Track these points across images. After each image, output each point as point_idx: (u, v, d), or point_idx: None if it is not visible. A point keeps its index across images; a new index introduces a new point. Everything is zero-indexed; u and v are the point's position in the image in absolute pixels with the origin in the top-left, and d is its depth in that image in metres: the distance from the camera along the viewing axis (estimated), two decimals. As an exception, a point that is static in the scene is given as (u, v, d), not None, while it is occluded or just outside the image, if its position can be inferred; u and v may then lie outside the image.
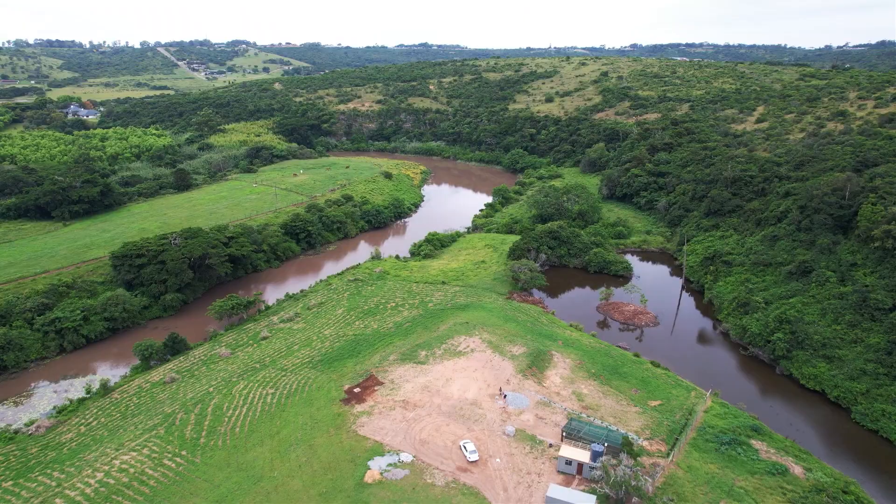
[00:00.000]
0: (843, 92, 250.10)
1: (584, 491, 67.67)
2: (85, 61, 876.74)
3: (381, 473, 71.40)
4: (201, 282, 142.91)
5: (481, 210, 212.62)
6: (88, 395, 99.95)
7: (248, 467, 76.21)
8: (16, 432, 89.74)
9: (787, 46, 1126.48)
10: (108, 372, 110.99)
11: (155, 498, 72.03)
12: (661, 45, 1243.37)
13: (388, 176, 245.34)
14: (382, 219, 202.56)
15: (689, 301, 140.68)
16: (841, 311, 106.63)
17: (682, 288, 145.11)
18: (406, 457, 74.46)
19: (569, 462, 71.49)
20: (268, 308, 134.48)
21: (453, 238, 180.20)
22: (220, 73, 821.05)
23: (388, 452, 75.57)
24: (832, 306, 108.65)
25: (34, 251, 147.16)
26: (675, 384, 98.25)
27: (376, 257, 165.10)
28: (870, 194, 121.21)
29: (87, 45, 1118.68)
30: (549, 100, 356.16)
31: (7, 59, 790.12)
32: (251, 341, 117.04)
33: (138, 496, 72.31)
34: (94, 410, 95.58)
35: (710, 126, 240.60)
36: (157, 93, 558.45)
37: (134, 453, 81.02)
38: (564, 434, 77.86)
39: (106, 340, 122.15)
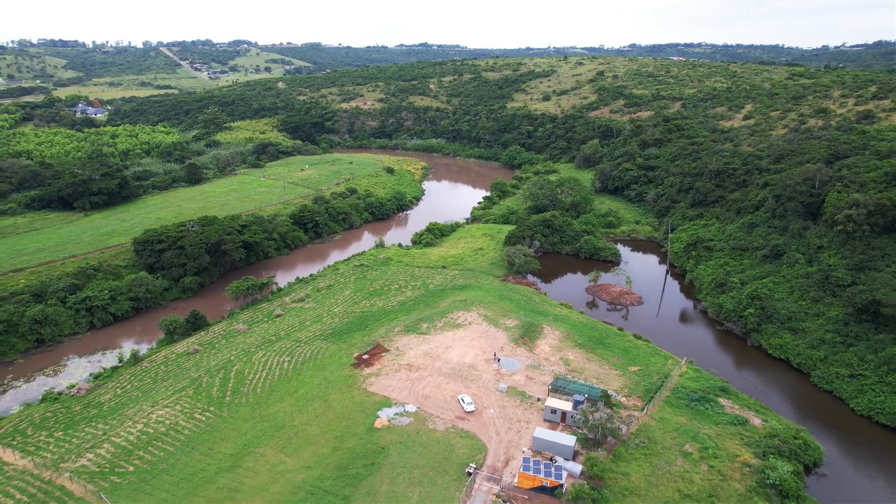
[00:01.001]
0: (827, 90, 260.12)
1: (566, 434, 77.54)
2: (88, 61, 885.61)
3: (389, 421, 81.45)
4: (216, 266, 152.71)
5: (479, 203, 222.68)
6: (121, 364, 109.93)
7: (271, 418, 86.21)
8: (59, 394, 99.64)
9: (785, 46, 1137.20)
10: (135, 346, 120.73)
11: (190, 443, 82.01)
12: (660, 45, 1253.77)
13: (390, 171, 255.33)
14: (385, 211, 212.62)
15: (673, 284, 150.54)
16: (806, 288, 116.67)
17: (667, 272, 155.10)
18: (411, 408, 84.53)
19: (554, 411, 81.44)
20: (280, 290, 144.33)
21: (453, 228, 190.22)
22: (223, 72, 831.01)
23: (395, 404, 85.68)
24: (799, 284, 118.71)
25: (60, 238, 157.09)
26: (655, 353, 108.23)
27: (380, 245, 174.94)
28: (836, 183, 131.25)
29: (91, 45, 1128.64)
30: (547, 98, 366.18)
31: (12, 58, 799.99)
32: (266, 318, 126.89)
33: (175, 442, 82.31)
34: (127, 376, 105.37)
35: (699, 123, 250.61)
36: (162, 92, 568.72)
37: (168, 409, 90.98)
38: (551, 389, 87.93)
39: (131, 319, 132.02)
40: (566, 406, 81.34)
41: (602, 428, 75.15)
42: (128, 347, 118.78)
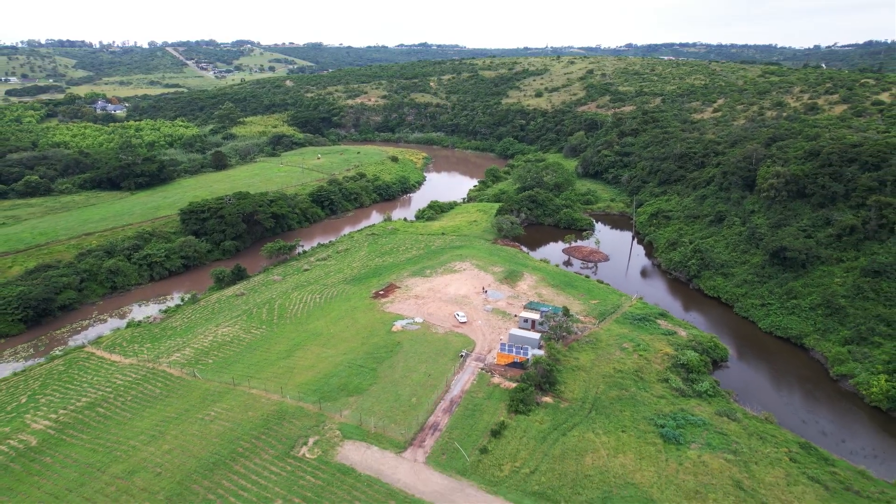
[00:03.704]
0: (790, 86, 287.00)
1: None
2: (97, 61, 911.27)
3: (403, 327, 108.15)
4: (249, 234, 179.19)
5: (475, 186, 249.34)
6: (183, 303, 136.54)
7: (311, 331, 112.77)
8: (139, 322, 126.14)
9: (778, 46, 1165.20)
10: (190, 292, 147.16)
11: (251, 346, 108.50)
12: (656, 45, 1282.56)
13: (394, 160, 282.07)
14: (391, 192, 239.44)
15: (638, 249, 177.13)
16: (738, 243, 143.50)
17: (633, 239, 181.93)
18: (419, 319, 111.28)
19: (526, 320, 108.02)
20: (305, 252, 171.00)
21: (451, 206, 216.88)
22: (228, 71, 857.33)
23: (407, 318, 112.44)
24: (733, 240, 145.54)
25: (116, 211, 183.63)
26: (613, 293, 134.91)
27: (388, 220, 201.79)
28: (768, 160, 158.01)
29: (97, 45, 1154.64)
30: (539, 95, 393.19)
31: (24, 58, 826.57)
32: (296, 272, 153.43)
33: (240, 346, 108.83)
34: (190, 311, 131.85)
35: (673, 115, 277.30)
36: (171, 90, 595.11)
37: (229, 328, 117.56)
38: (525, 307, 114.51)
39: (182, 274, 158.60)
40: (535, 316, 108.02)
41: (560, 328, 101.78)
42: (183, 294, 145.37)
